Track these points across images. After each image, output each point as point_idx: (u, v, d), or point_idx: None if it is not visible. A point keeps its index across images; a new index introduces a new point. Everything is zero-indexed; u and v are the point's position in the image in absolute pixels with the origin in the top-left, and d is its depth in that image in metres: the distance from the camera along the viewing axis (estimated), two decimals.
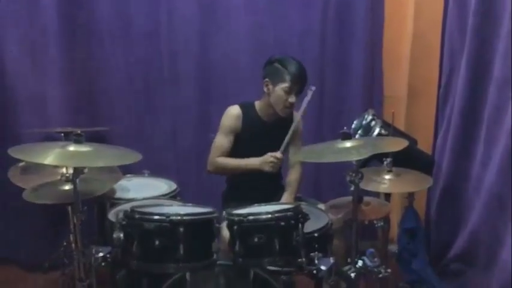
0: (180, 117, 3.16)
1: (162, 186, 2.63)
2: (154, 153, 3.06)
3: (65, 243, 2.67)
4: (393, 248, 2.85)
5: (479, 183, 2.49)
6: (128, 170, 2.61)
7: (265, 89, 2.44)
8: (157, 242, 1.76)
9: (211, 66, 3.13)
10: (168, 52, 3.08)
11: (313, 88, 2.37)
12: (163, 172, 2.83)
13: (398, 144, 1.98)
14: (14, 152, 1.77)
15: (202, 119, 3.15)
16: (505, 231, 2.27)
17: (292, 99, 2.39)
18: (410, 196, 2.70)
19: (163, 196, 2.47)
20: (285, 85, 2.37)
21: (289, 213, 1.86)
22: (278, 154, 2.36)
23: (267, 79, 2.43)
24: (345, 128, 1.95)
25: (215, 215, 1.90)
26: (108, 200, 2.37)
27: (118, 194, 2.44)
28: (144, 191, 2.51)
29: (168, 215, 1.78)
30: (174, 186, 2.61)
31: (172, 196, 2.49)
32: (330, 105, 3.25)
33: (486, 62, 2.43)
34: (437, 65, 2.94)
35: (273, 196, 2.50)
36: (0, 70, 2.90)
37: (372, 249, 2.45)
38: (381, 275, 2.27)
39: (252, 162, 2.42)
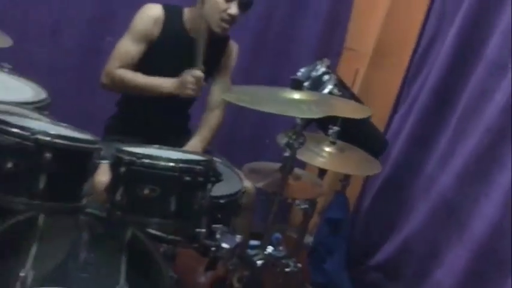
0: (67, 8, 2.97)
1: (26, 90, 2.46)
2: (23, 42, 2.76)
3: None
4: (308, 239, 2.92)
5: (431, 183, 2.61)
6: None
7: None
8: (9, 165, 1.61)
9: None
10: None
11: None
12: (32, 73, 2.63)
13: (360, 112, 1.96)
14: None
15: (98, 15, 2.99)
16: (447, 246, 2.38)
17: (233, 9, 2.29)
18: (346, 179, 2.76)
19: (27, 105, 2.28)
20: None
21: (198, 167, 1.79)
22: (197, 72, 2.24)
23: None
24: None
25: (97, 146, 1.79)
26: None
27: None
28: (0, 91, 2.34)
29: (33, 132, 1.63)
30: (43, 94, 2.45)
31: (39, 107, 2.31)
32: (275, 43, 3.23)
33: (480, 37, 2.48)
34: (420, 23, 3.01)
35: (175, 141, 2.44)
36: None
37: (278, 235, 2.49)
38: (288, 269, 2.32)
39: (166, 83, 2.32)
